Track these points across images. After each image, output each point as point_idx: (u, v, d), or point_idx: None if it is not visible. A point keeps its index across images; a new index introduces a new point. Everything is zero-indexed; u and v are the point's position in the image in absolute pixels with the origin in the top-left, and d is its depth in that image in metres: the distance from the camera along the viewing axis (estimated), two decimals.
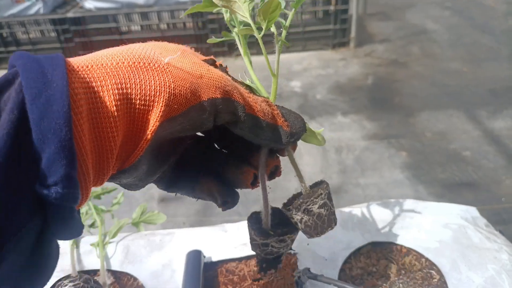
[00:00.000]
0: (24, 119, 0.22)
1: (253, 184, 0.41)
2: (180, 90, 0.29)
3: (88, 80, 0.25)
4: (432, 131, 2.49)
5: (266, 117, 0.36)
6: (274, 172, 0.44)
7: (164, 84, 0.28)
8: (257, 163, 0.41)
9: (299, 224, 0.47)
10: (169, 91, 0.28)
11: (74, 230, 0.26)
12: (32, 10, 4.05)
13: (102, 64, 0.26)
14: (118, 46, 0.31)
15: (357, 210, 0.81)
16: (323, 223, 0.48)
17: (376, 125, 2.59)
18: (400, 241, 0.71)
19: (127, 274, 0.72)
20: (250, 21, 0.44)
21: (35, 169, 0.22)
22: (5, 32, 4.12)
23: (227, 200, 0.40)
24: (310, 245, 0.74)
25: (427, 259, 0.66)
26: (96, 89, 0.25)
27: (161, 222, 0.85)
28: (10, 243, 0.22)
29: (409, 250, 0.69)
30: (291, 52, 4.04)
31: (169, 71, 0.29)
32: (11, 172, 0.21)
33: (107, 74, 0.26)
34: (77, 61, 0.26)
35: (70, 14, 3.93)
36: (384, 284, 0.63)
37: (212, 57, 0.37)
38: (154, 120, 0.27)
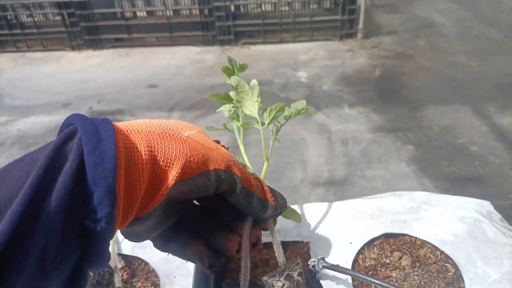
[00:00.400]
0: (82, 167, 0.28)
1: (238, 252, 0.45)
2: (194, 158, 0.35)
3: (128, 142, 0.32)
4: (439, 125, 2.47)
5: (257, 191, 0.42)
6: (256, 243, 0.50)
7: (182, 152, 0.34)
8: (242, 232, 0.46)
9: None
10: (185, 158, 0.34)
11: (104, 261, 0.31)
12: None
13: (138, 131, 0.33)
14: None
15: (370, 201, 0.80)
16: None
17: (382, 118, 2.57)
18: (414, 233, 0.70)
19: (138, 258, 0.72)
20: (256, 116, 0.54)
21: (85, 207, 0.28)
22: (10, 15, 4.08)
23: (214, 264, 0.46)
24: (322, 235, 0.73)
25: (442, 252, 0.66)
26: (132, 149, 0.31)
27: None
28: (59, 269, 0.27)
29: (424, 243, 0.68)
30: (297, 42, 4.00)
31: (187, 142, 0.35)
32: (69, 208, 0.27)
33: (141, 138, 0.33)
34: (120, 126, 0.33)
35: None
36: (399, 276, 0.62)
37: (217, 139, 0.45)
38: (171, 179, 0.33)
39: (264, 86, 3.17)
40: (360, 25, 4.01)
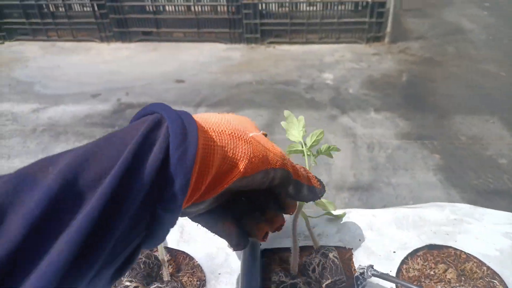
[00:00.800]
0: (166, 158, 0.29)
1: (264, 238, 0.50)
2: (255, 159, 0.38)
3: (207, 140, 0.34)
4: (467, 135, 2.44)
5: (304, 181, 0.46)
6: (279, 228, 0.53)
7: (246, 153, 0.37)
8: (271, 219, 0.50)
9: (316, 268, 0.57)
10: (248, 158, 0.37)
11: (158, 244, 0.33)
12: None
13: (213, 130, 0.36)
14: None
15: (411, 210, 0.80)
16: (337, 269, 0.58)
17: (409, 124, 2.55)
18: (458, 246, 0.70)
19: (183, 252, 0.74)
20: (301, 140, 0.67)
21: (160, 195, 0.30)
22: (42, 4, 4.17)
23: (240, 243, 0.48)
24: (364, 242, 0.74)
25: (488, 268, 0.66)
26: (209, 147, 0.34)
27: None
28: (125, 251, 0.29)
29: (469, 257, 0.68)
30: (323, 43, 3.99)
31: (251, 143, 0.38)
32: (148, 194, 0.28)
33: (216, 137, 0.35)
34: (199, 122, 0.34)
35: None
36: None
37: (265, 132, 0.48)
38: (232, 176, 0.36)
39: (290, 86, 3.18)
40: (388, 29, 3.97)
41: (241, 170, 0.36)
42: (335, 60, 3.66)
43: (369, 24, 3.92)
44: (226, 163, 0.35)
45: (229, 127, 0.37)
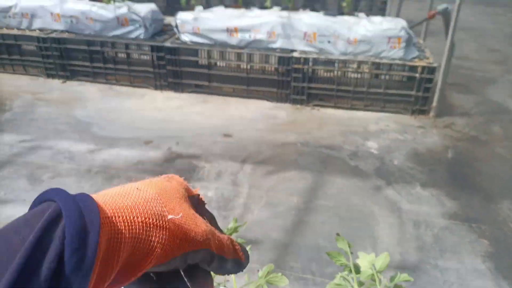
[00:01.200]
0: (60, 268, 0.27)
1: None
2: (170, 246, 0.35)
3: (112, 232, 0.31)
4: None
5: (229, 255, 0.43)
6: None
7: (160, 242, 0.34)
8: (200, 284, 0.46)
9: None
10: (162, 248, 0.34)
11: None
12: (134, 34, 4.43)
13: (124, 218, 0.33)
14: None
15: None
16: None
17: (456, 204, 2.51)
18: None
19: None
20: (372, 267, 0.74)
21: None
22: (107, 50, 4.52)
23: None
24: None
25: None
26: (114, 240, 0.31)
27: (284, 285, 0.89)
28: None
29: None
30: (368, 111, 4.07)
31: (168, 227, 0.35)
32: None
33: (126, 227, 0.32)
34: (104, 208, 0.32)
35: (167, 44, 4.25)
36: None
37: (197, 193, 0.45)
38: (143, 267, 0.34)
39: (334, 151, 3.23)
40: (434, 103, 4.01)
41: (153, 260, 0.34)
42: (379, 129, 3.71)
43: (415, 97, 3.98)
44: (135, 254, 0.33)
45: (144, 211, 0.34)
